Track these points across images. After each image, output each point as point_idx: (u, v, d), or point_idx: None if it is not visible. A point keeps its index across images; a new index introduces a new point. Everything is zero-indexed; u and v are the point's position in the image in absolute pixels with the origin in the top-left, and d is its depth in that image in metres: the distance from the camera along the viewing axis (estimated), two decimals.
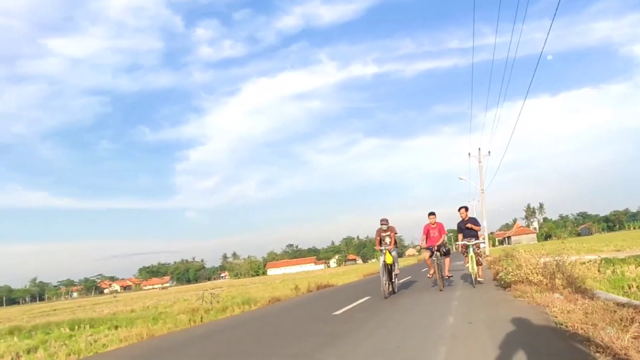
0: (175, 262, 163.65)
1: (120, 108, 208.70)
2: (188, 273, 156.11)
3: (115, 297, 65.43)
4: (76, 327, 14.56)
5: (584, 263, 8.72)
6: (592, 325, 4.34)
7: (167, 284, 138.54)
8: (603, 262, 11.57)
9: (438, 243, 10.68)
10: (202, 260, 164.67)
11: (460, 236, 10.98)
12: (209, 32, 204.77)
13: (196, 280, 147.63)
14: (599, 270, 9.91)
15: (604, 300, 5.49)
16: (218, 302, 14.02)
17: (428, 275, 11.58)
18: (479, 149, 27.13)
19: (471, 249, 10.42)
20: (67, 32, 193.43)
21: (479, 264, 10.73)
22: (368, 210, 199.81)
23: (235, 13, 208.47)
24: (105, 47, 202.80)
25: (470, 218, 11.13)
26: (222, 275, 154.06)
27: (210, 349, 6.82)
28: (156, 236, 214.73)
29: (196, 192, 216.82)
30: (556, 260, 7.63)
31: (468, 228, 10.88)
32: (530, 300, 7.04)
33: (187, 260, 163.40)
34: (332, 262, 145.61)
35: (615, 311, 4.66)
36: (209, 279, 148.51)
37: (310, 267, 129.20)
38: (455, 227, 11.47)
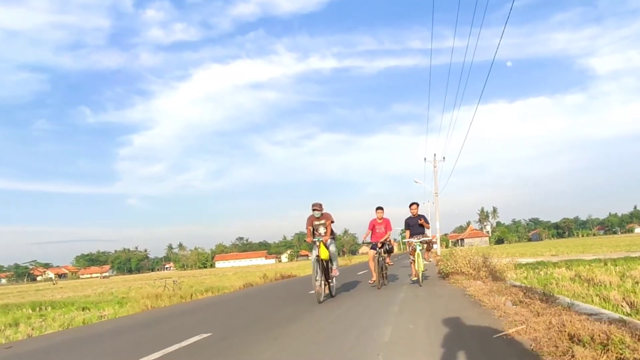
0: (115, 251, 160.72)
1: (61, 87, 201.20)
2: (130, 263, 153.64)
3: (55, 283, 64.38)
4: (37, 308, 15.47)
5: (514, 263, 11.11)
6: (489, 295, 6.85)
7: (107, 273, 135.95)
8: (519, 263, 13.93)
9: (382, 239, 10.51)
10: (146, 250, 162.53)
11: (407, 233, 10.84)
12: (160, 14, 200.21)
13: (138, 271, 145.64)
14: (515, 268, 12.41)
15: (509, 284, 7.82)
16: (180, 288, 15.28)
17: (370, 281, 10.90)
18: (434, 154, 29.66)
19: (418, 246, 10.23)
20: (5, 2, 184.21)
21: (426, 257, 10.66)
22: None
23: None
24: (46, 21, 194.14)
25: (419, 215, 10.96)
26: (167, 266, 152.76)
27: (221, 312, 8.95)
28: (95, 223, 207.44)
29: (140, 179, 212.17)
30: (483, 259, 9.88)
31: (418, 225, 10.77)
32: (459, 284, 9.61)
33: (128, 250, 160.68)
34: (284, 257, 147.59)
35: (506, 288, 7.28)
36: (152, 270, 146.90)
37: (260, 261, 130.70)
38: (402, 231, 11.76)
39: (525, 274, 12.92)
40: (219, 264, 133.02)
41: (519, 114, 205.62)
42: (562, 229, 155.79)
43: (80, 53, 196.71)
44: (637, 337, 3.31)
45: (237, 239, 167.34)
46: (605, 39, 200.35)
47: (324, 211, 9.17)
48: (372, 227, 10.74)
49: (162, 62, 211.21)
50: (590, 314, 4.75)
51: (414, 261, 10.46)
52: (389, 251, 10.75)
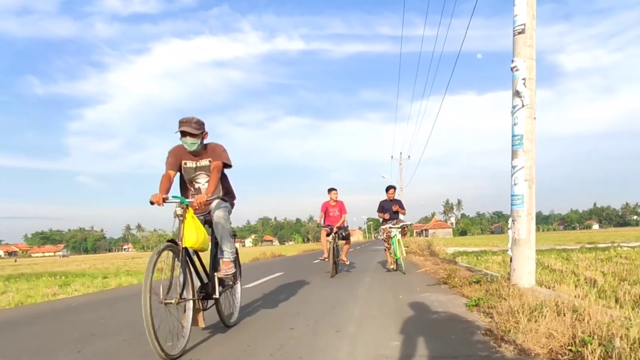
0: (70, 230, 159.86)
1: (6, 54, 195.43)
2: (86, 242, 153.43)
3: (15, 261, 65.46)
4: (52, 278, 18.27)
5: (458, 250, 15.12)
6: (424, 261, 11.11)
7: (60, 253, 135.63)
8: (467, 252, 17.93)
9: (338, 224, 10.02)
10: (102, 230, 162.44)
11: (386, 215, 10.21)
12: None
13: (95, 251, 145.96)
14: (461, 255, 16.31)
15: (440, 259, 11.71)
16: None
17: (321, 257, 10.45)
18: (400, 153, 33.63)
19: (397, 232, 9.69)
20: None
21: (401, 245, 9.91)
22: (286, 192, 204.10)
23: None
24: None
25: (396, 200, 10.54)
26: (125, 247, 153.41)
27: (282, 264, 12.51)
28: (44, 200, 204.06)
29: (92, 155, 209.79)
30: (428, 244, 13.83)
31: (392, 211, 10.27)
32: (409, 258, 13.60)
33: (84, 229, 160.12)
34: (248, 242, 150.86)
35: (434, 261, 11.30)
36: (110, 250, 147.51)
37: None
38: (368, 220, 15.05)
39: (467, 258, 16.82)
40: None
41: (488, 107, 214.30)
42: None
43: (28, 19, 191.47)
44: (469, 270, 7.05)
45: None
46: (573, 37, 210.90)
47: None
48: (325, 209, 10.33)
49: (119, 33, 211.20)
50: (466, 269, 8.59)
51: (389, 248, 10.04)
52: (345, 237, 10.14)
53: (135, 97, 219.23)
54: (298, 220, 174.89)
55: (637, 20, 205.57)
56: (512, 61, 5.46)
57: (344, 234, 9.89)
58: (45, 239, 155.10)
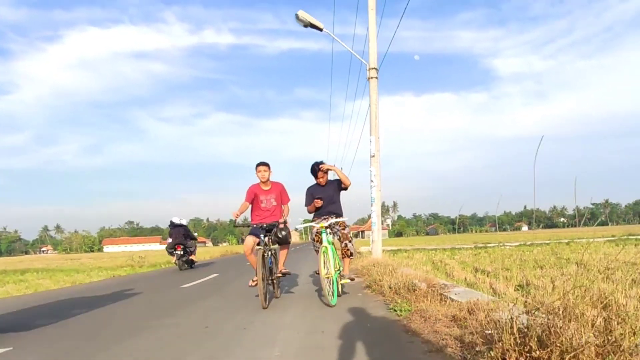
0: None
1: None
2: None
3: None
4: (37, 273, 21.48)
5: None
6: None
7: None
8: (386, 249, 22.98)
9: (280, 220, 6.87)
10: (17, 231, 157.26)
11: (316, 203, 6.90)
12: None
13: (9, 253, 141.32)
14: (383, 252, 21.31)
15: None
16: (144, 262, 22.03)
17: (251, 282, 6.85)
18: (334, 164, 38.49)
19: (325, 235, 6.39)
20: None
21: (346, 254, 6.98)
22: (218, 191, 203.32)
23: None
24: None
25: (331, 182, 7.25)
26: (44, 249, 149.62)
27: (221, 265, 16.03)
28: None
29: None
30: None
31: (329, 198, 7.04)
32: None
33: None
34: None
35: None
36: (26, 253, 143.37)
37: (155, 246, 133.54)
38: (304, 221, 8.43)
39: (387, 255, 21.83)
40: (108, 249, 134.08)
41: (424, 108, 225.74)
42: (458, 225, 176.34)
43: None
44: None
45: (126, 223, 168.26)
46: (508, 42, 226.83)
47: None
48: (253, 196, 7.04)
49: (26, 18, 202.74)
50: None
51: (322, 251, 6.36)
52: (283, 240, 6.80)
53: (45, 87, 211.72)
54: (232, 221, 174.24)
55: (568, 29, 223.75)
56: (370, 171, 11.62)
57: (280, 234, 6.63)
58: None
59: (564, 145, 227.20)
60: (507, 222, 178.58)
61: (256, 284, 6.37)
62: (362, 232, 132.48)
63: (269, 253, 6.72)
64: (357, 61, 13.14)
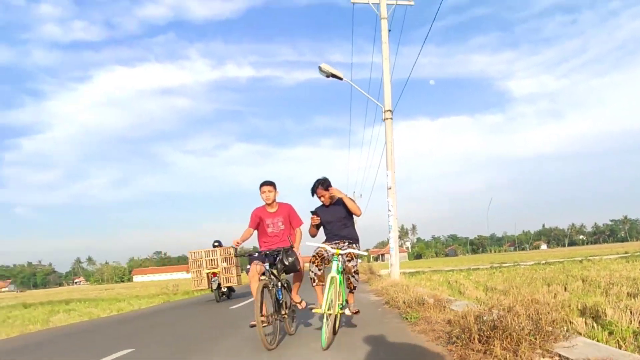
0: (16, 265, 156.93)
1: None
2: (35, 277, 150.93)
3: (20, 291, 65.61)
4: (82, 303, 22.47)
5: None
6: (363, 275, 15.77)
7: (6, 289, 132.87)
8: (405, 272, 23.46)
9: (289, 246, 5.71)
10: (51, 264, 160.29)
11: (312, 230, 6.05)
12: (57, 10, 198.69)
13: (44, 286, 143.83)
14: (402, 275, 21.85)
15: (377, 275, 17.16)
16: (177, 290, 22.90)
17: (250, 323, 5.55)
18: (354, 192, 39.50)
19: (336, 262, 5.30)
20: None
21: (349, 287, 5.82)
22: (239, 219, 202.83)
23: None
24: None
25: (340, 202, 6.01)
26: (77, 280, 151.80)
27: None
28: None
29: (30, 186, 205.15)
30: (369, 267, 19.29)
31: (337, 222, 5.99)
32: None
33: (32, 263, 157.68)
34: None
35: (374, 276, 16.42)
36: (60, 285, 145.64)
37: (182, 275, 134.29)
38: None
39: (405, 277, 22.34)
40: (138, 278, 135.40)
41: (440, 132, 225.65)
42: (477, 245, 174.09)
43: None
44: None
45: (154, 253, 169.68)
46: (521, 64, 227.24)
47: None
48: (258, 221, 5.96)
49: (59, 61, 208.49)
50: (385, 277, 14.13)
51: (321, 275, 5.85)
52: (290, 269, 5.70)
53: (76, 125, 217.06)
54: (255, 247, 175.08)
55: (581, 49, 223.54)
56: (387, 201, 12.46)
57: (287, 261, 5.55)
58: None
59: (581, 163, 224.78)
60: (525, 241, 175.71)
61: (268, 323, 5.22)
62: (382, 255, 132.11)
63: (277, 285, 5.54)
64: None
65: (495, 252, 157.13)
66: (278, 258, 5.59)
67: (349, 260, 5.66)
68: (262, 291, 5.10)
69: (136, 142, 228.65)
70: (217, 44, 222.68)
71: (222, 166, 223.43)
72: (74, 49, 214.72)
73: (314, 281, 5.80)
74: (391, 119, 13.33)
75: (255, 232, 6.02)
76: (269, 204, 5.92)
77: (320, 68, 13.50)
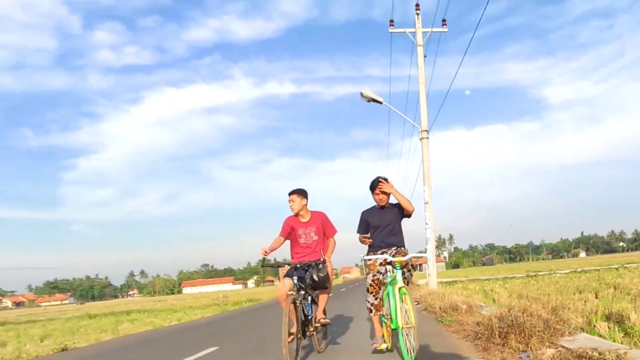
0: (75, 279, 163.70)
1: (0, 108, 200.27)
2: (92, 290, 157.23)
3: (45, 309, 69.19)
4: (145, 313, 24.06)
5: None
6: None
7: (67, 301, 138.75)
8: (441, 282, 23.96)
9: (321, 259, 5.32)
10: (107, 278, 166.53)
11: (365, 239, 5.15)
12: (111, 37, 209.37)
13: (101, 298, 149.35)
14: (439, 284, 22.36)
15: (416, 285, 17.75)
16: (227, 301, 24.18)
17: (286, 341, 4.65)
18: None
19: (396, 272, 4.67)
20: None
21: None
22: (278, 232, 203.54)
23: (142, 19, 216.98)
24: None
25: (392, 205, 5.24)
26: (130, 293, 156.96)
27: None
28: (42, 250, 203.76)
29: (87, 204, 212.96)
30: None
31: (388, 226, 5.17)
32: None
33: (89, 277, 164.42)
34: (250, 283, 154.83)
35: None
36: (115, 297, 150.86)
37: (228, 286, 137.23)
38: (364, 260, 5.48)
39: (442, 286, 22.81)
40: (187, 290, 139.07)
41: (477, 141, 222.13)
42: (514, 254, 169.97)
43: (22, 73, 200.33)
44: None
45: (202, 266, 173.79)
46: (557, 70, 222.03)
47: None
48: (290, 230, 5.53)
49: (112, 84, 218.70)
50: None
51: (378, 304, 5.03)
52: (319, 285, 5.24)
53: (128, 146, 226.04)
54: (262, 259, 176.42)
55: (618, 53, 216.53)
56: (425, 215, 13.20)
57: (317, 277, 5.10)
58: (55, 288, 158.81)
59: (620, 168, 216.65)
60: (564, 249, 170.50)
61: (292, 339, 4.78)
62: (420, 264, 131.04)
63: (307, 299, 5.19)
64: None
65: (533, 260, 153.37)
66: (309, 272, 5.14)
67: (408, 271, 4.98)
68: (296, 304, 4.88)
69: (184, 160, 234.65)
70: (260, 63, 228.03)
71: (264, 180, 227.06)
72: (127, 72, 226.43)
73: (371, 311, 5.06)
74: (427, 138, 14.19)
75: (288, 241, 5.57)
76: (299, 212, 5.45)
77: (361, 94, 14.56)
